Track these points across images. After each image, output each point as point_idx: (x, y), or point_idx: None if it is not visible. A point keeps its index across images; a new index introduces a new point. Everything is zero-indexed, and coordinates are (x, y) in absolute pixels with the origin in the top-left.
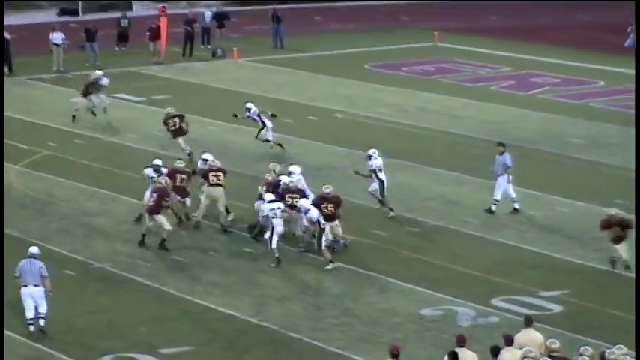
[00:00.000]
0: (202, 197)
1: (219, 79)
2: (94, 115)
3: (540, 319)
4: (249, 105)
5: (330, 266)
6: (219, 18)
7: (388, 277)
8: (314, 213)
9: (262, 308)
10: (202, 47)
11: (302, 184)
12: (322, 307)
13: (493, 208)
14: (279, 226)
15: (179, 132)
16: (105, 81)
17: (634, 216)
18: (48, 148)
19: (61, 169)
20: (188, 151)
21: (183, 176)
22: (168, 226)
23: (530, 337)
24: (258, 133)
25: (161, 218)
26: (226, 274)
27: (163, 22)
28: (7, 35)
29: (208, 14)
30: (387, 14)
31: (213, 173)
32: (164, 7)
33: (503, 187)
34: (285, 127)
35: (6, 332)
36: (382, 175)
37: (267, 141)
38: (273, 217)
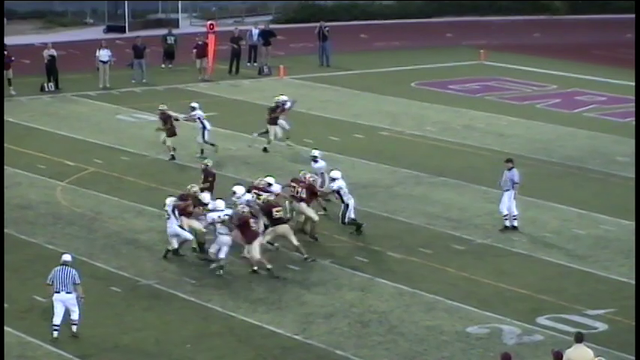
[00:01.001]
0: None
1: (265, 96)
2: (288, 138)
3: (586, 337)
4: (194, 104)
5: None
6: (266, 35)
7: (434, 295)
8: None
9: (307, 326)
10: (248, 65)
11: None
12: (367, 324)
13: (507, 223)
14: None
15: (173, 133)
16: (289, 104)
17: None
18: (94, 165)
19: (108, 186)
20: (172, 154)
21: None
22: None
23: (581, 354)
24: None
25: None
26: (272, 292)
27: (211, 40)
28: (53, 52)
29: (255, 32)
30: (432, 32)
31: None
32: (212, 24)
33: (508, 203)
34: (330, 144)
35: (55, 350)
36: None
37: (206, 142)
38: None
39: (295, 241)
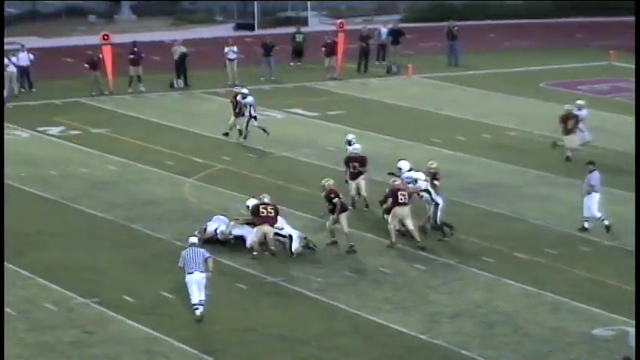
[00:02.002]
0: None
1: (393, 95)
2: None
3: None
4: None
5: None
6: (395, 34)
7: (560, 296)
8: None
9: (433, 325)
10: (377, 63)
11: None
12: (493, 325)
13: (586, 225)
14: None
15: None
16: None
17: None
18: (222, 162)
19: (235, 182)
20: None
21: None
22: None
23: None
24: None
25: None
26: (397, 291)
27: (340, 38)
28: (183, 49)
29: (384, 30)
30: (561, 32)
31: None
32: (342, 22)
33: (590, 204)
34: (457, 144)
35: (181, 345)
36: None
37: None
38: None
39: (411, 225)
